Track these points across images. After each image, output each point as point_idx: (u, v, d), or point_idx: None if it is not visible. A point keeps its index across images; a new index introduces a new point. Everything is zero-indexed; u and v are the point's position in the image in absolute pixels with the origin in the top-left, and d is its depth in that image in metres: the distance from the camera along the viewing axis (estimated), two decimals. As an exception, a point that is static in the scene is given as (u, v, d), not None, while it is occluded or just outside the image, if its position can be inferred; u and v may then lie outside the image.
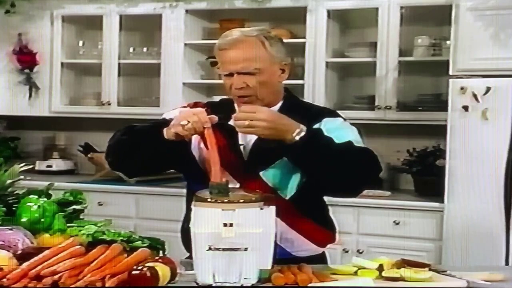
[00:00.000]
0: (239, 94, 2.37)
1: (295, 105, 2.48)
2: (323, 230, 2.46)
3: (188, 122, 2.19)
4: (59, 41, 5.33)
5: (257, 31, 2.39)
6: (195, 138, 2.39)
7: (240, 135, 2.38)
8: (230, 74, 2.35)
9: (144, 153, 2.32)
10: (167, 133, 2.25)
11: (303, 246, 2.40)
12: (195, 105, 2.53)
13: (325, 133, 2.31)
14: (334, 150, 2.23)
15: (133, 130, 2.39)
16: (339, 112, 2.52)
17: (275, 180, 2.34)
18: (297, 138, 2.19)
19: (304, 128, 2.22)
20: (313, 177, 2.32)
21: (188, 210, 2.24)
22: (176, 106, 2.61)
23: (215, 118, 2.22)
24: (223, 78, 2.40)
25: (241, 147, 2.38)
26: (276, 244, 2.08)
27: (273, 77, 2.38)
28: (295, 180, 2.36)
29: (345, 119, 2.45)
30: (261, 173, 2.34)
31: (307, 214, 2.39)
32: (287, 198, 2.36)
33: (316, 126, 2.36)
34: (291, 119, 2.23)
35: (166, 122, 2.30)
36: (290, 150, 2.22)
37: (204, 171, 2.36)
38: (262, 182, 2.33)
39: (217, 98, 2.65)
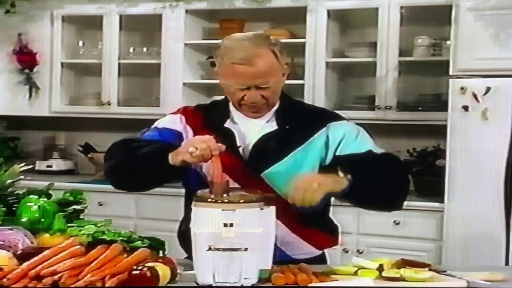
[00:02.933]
0: (253, 105, 2.34)
1: (292, 106, 2.46)
2: (324, 234, 2.44)
3: (196, 149, 2.14)
4: (59, 41, 5.33)
5: (262, 40, 2.34)
6: None
7: (237, 136, 2.37)
8: (246, 88, 2.31)
9: (148, 177, 2.31)
10: (173, 159, 2.20)
11: (303, 249, 2.38)
12: (185, 109, 2.50)
13: (337, 143, 2.34)
14: (369, 169, 2.26)
15: (135, 155, 2.30)
16: (339, 112, 2.52)
17: (276, 182, 2.32)
18: (347, 179, 2.19)
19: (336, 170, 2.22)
20: (358, 201, 2.33)
21: (187, 213, 2.24)
22: (176, 107, 2.59)
23: (223, 146, 2.17)
24: (232, 90, 2.34)
25: (240, 149, 2.37)
26: (276, 246, 2.08)
27: (281, 84, 2.38)
28: None
29: (347, 120, 2.45)
30: (262, 175, 2.32)
31: (308, 218, 2.35)
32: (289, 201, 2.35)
33: (322, 130, 2.36)
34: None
35: (169, 146, 2.25)
36: (351, 192, 2.21)
37: (202, 176, 2.35)
38: (263, 184, 2.31)
39: (216, 98, 2.65)
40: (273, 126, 2.38)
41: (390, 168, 2.31)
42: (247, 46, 2.30)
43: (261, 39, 2.35)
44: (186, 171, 2.32)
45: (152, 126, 2.46)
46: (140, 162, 2.28)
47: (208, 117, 2.43)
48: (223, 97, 2.49)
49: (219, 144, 2.16)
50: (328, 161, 2.35)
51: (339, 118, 2.44)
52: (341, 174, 2.20)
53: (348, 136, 2.36)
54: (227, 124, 2.39)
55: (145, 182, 2.36)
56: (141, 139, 2.41)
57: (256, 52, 2.29)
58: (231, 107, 2.42)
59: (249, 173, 2.32)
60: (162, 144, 2.32)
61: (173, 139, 2.36)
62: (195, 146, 2.14)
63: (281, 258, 2.19)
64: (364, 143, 2.36)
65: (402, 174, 2.38)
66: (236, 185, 2.26)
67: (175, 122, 2.43)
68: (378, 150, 2.37)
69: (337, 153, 2.34)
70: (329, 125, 2.37)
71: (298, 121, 2.38)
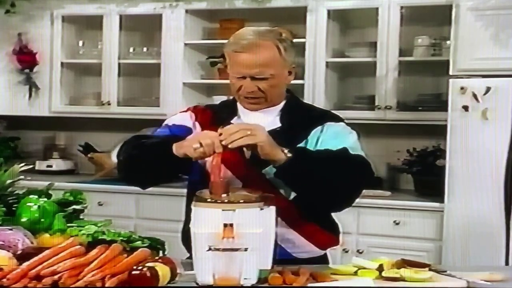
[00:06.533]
0: (249, 96, 2.37)
1: (297, 106, 2.50)
2: (325, 232, 2.45)
3: (201, 145, 2.14)
4: (59, 41, 5.34)
5: (271, 34, 2.39)
6: None
7: None
8: (242, 77, 2.35)
9: (156, 169, 2.31)
10: (177, 150, 2.21)
11: (305, 248, 2.39)
12: (195, 108, 2.55)
13: (325, 140, 2.33)
14: (324, 164, 2.22)
15: (143, 146, 2.34)
16: (339, 112, 2.54)
17: (278, 179, 2.33)
18: (289, 154, 2.18)
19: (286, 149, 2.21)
20: (304, 194, 2.29)
21: (188, 212, 2.24)
22: (176, 107, 2.61)
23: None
24: (231, 79, 2.39)
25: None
26: (276, 244, 2.08)
27: (282, 80, 2.40)
28: None
29: (347, 124, 2.46)
30: (264, 171, 2.32)
31: (309, 216, 2.38)
32: (290, 198, 2.35)
33: (318, 128, 2.38)
34: None
35: (174, 138, 2.27)
36: (284, 168, 2.19)
37: (206, 174, 2.35)
38: (265, 180, 2.32)
39: (216, 98, 2.66)
40: (276, 124, 2.40)
41: (351, 167, 2.25)
42: (251, 36, 2.35)
43: (269, 32, 2.40)
44: (192, 165, 2.32)
45: (163, 124, 2.50)
46: (145, 153, 2.31)
47: (217, 115, 2.47)
48: (223, 97, 2.51)
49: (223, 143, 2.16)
50: None
51: (338, 119, 2.46)
52: (285, 150, 2.19)
53: (335, 134, 2.37)
54: (234, 120, 2.42)
55: (152, 174, 2.36)
56: (152, 136, 2.45)
57: (258, 43, 2.33)
58: (239, 105, 2.46)
59: (251, 169, 2.33)
60: (168, 137, 2.35)
61: (182, 134, 2.39)
62: (200, 141, 2.15)
63: (282, 256, 2.19)
64: (344, 142, 2.32)
65: (362, 176, 2.30)
66: (238, 181, 2.29)
67: (185, 119, 2.48)
68: (358, 152, 2.33)
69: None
70: (326, 124, 2.40)
71: (300, 120, 2.41)
